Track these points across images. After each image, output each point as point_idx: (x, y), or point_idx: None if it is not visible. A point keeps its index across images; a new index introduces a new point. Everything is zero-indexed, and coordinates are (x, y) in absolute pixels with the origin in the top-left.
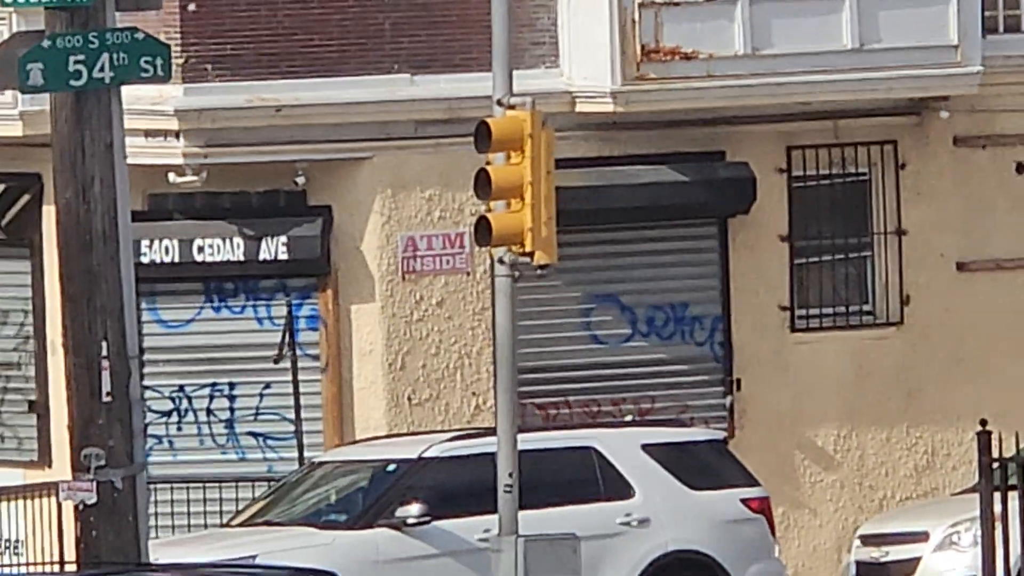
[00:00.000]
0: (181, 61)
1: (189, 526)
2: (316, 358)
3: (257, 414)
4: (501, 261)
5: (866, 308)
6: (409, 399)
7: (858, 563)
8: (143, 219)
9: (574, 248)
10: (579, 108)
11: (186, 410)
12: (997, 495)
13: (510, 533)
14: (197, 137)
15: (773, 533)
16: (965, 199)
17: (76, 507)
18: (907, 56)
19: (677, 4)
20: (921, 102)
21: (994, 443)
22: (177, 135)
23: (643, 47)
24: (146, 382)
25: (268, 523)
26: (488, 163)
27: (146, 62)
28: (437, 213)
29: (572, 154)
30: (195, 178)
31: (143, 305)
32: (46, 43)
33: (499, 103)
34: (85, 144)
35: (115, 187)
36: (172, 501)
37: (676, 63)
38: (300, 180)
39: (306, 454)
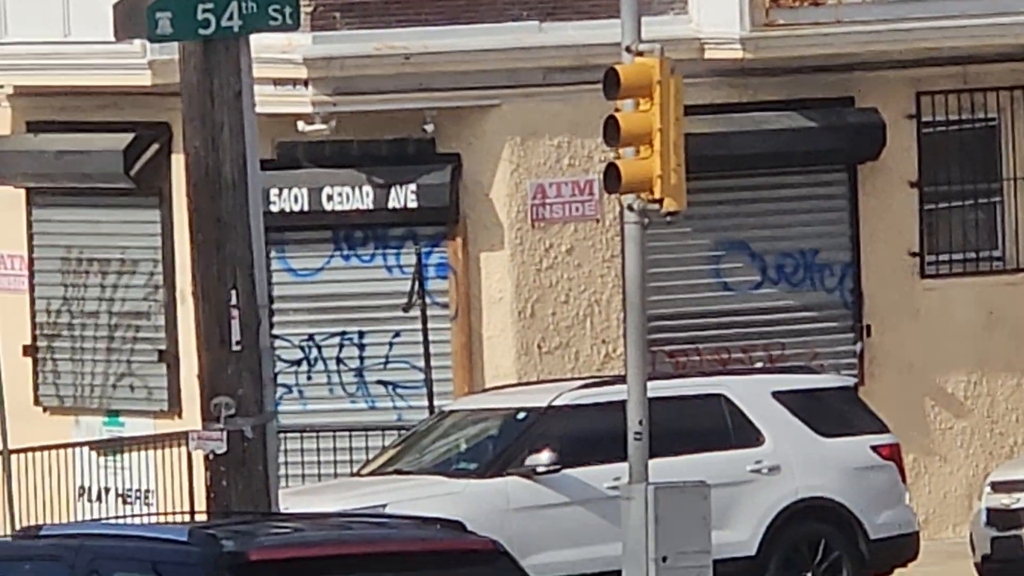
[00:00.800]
0: (310, 9)
1: (319, 475)
2: (445, 306)
3: (386, 363)
4: (630, 208)
5: (995, 254)
6: (539, 347)
7: (989, 510)
8: (272, 168)
9: (703, 195)
10: (708, 55)
11: (316, 359)
12: None
13: (640, 481)
14: (326, 85)
15: (903, 480)
16: None
17: (206, 457)
18: None
19: None
20: None
21: None
22: (306, 83)
23: None
24: (276, 331)
25: (398, 472)
26: (617, 110)
27: (274, 10)
28: (566, 160)
29: (701, 101)
30: (324, 126)
31: (272, 254)
32: None
33: (627, 50)
34: (214, 93)
35: (244, 136)
36: (302, 450)
37: (805, 9)
38: (429, 128)
39: (436, 402)
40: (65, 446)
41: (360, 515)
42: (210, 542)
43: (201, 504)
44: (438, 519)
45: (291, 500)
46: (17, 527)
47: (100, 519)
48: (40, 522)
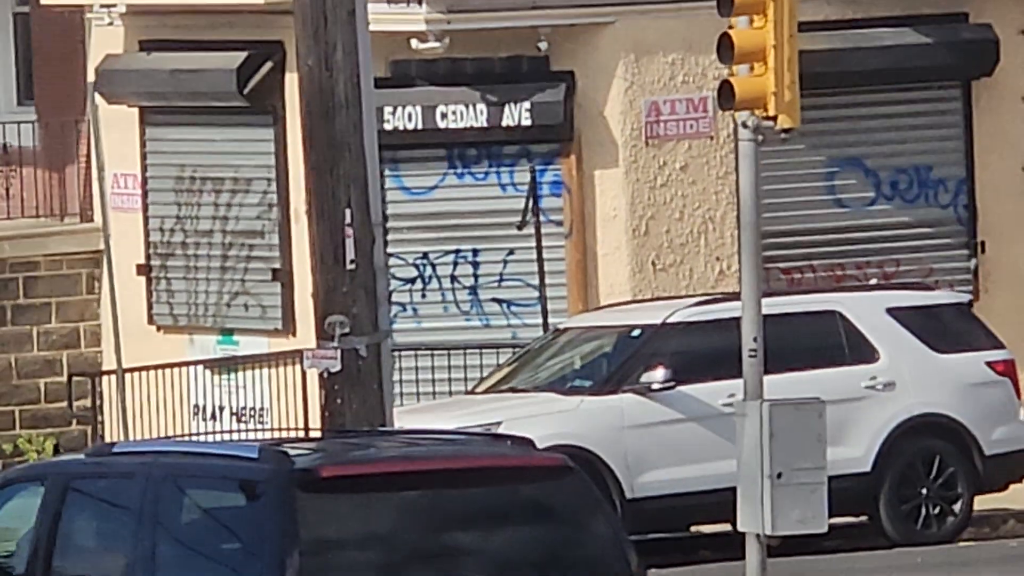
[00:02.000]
0: None
1: (434, 393)
2: (559, 224)
3: (501, 280)
4: (744, 125)
5: None
6: (653, 264)
7: None
8: (386, 86)
9: (817, 112)
10: None
11: (430, 277)
12: None
13: (755, 398)
14: (439, 3)
15: (1019, 395)
16: None
17: (320, 375)
18: None
19: None
20: None
21: None
22: (420, 1)
23: None
24: (390, 249)
25: (513, 390)
26: (731, 27)
27: None
28: (680, 78)
29: (815, 17)
30: (437, 44)
31: (386, 172)
32: None
33: None
34: (327, 11)
35: (357, 54)
36: (416, 368)
37: None
38: (543, 46)
39: (550, 320)
40: (179, 365)
41: (435, 432)
42: (281, 459)
43: (316, 423)
44: (509, 436)
45: (406, 418)
46: None
47: (174, 437)
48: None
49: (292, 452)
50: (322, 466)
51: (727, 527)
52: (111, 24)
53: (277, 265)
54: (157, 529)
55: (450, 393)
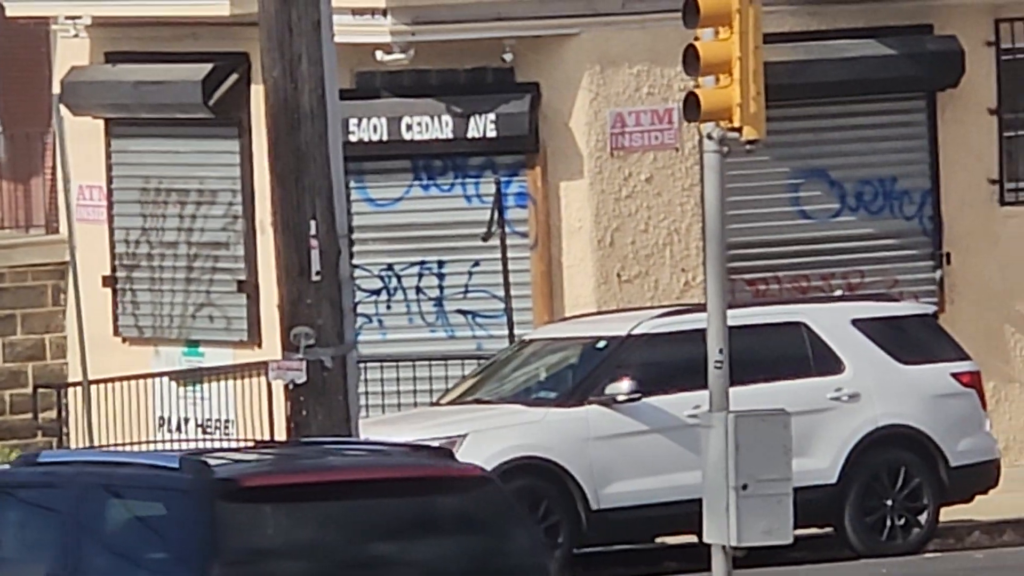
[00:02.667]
0: None
1: (399, 405)
2: (525, 235)
3: (466, 292)
4: (710, 137)
5: None
6: (618, 276)
7: None
8: (351, 97)
9: (782, 123)
10: None
11: (395, 288)
12: None
13: (720, 409)
14: (404, 14)
15: (984, 407)
16: None
17: (286, 387)
18: None
19: None
20: None
21: None
22: (384, 13)
23: None
24: (355, 261)
25: (478, 401)
26: (696, 38)
27: None
28: (645, 89)
29: (779, 29)
30: (402, 56)
31: (351, 184)
32: None
33: None
34: (292, 22)
35: (323, 65)
36: (382, 380)
37: None
38: (508, 57)
39: (515, 332)
40: (145, 376)
41: (363, 443)
42: (201, 469)
43: (281, 434)
44: (427, 446)
45: (371, 430)
46: None
47: (97, 447)
48: None
49: (213, 462)
50: (243, 476)
51: (693, 538)
52: (76, 36)
53: (242, 277)
54: (82, 539)
55: (415, 405)
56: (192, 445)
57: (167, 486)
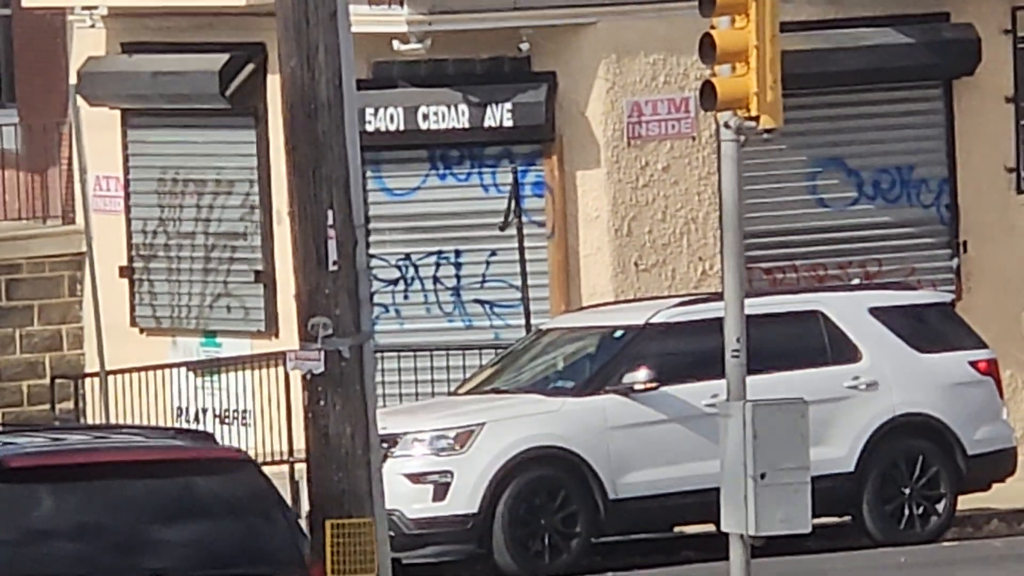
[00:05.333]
0: None
1: (416, 394)
2: (542, 225)
3: (483, 281)
4: (727, 125)
5: None
6: (635, 265)
7: None
8: (368, 87)
9: (799, 112)
10: None
11: (412, 278)
12: None
13: (738, 398)
14: (421, 4)
15: (1001, 395)
16: None
17: (303, 376)
18: None
19: None
20: None
21: None
22: (401, 3)
23: None
24: (372, 251)
25: (495, 391)
26: (712, 27)
27: None
28: (662, 78)
29: (796, 17)
30: (419, 46)
31: (368, 174)
32: None
33: None
34: (309, 13)
35: (340, 55)
36: (399, 370)
37: None
38: (524, 46)
39: (533, 321)
40: (162, 367)
41: (129, 427)
42: None
43: (299, 424)
44: (191, 430)
45: (389, 420)
46: None
47: None
48: None
49: None
50: (9, 457)
51: (710, 528)
52: (93, 26)
53: (260, 267)
54: None
55: (432, 394)
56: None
57: None
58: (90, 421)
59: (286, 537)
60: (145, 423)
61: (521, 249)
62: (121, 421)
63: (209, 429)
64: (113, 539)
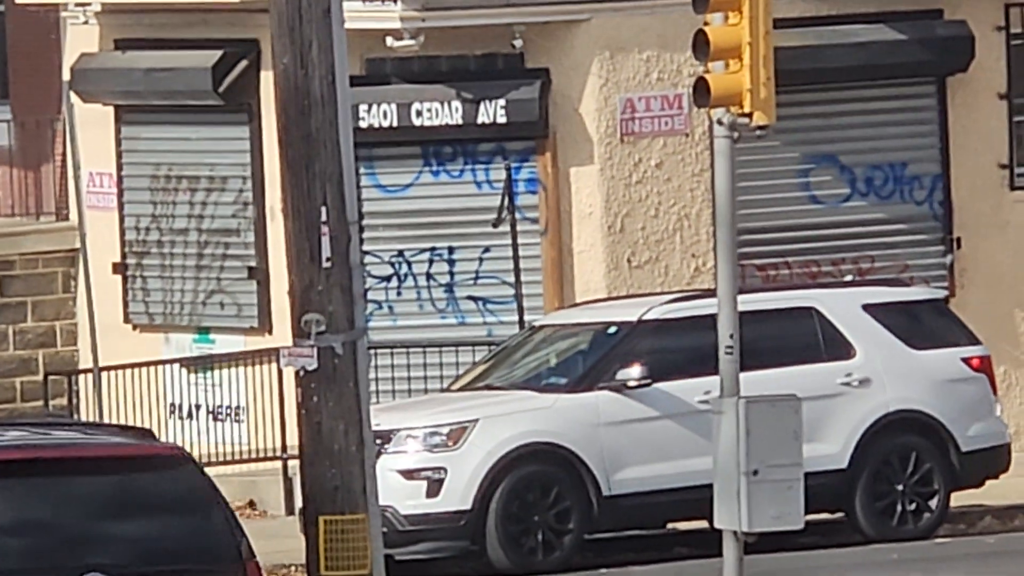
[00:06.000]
0: None
1: (410, 391)
2: (535, 221)
3: (476, 278)
4: (720, 122)
5: None
6: (628, 261)
7: None
8: (361, 84)
9: (792, 108)
10: None
11: (405, 275)
12: None
13: (731, 395)
14: (414, 1)
15: (994, 392)
16: None
17: (296, 373)
18: None
19: None
20: None
21: None
22: None
23: None
24: (365, 247)
25: (488, 387)
26: (706, 24)
27: None
28: (655, 75)
29: (790, 14)
30: (412, 42)
31: (362, 170)
32: None
33: None
34: (302, 9)
35: (333, 52)
36: (392, 366)
37: None
38: (517, 43)
39: (526, 318)
40: (155, 363)
41: (72, 422)
42: None
43: (292, 421)
44: (132, 427)
45: (382, 416)
46: None
47: None
48: None
49: None
50: None
51: (704, 524)
52: (86, 23)
53: (253, 263)
54: None
55: (426, 391)
56: None
57: None
58: (84, 417)
59: (224, 533)
60: (138, 420)
61: (514, 245)
62: (114, 418)
63: (203, 425)
64: (50, 535)
